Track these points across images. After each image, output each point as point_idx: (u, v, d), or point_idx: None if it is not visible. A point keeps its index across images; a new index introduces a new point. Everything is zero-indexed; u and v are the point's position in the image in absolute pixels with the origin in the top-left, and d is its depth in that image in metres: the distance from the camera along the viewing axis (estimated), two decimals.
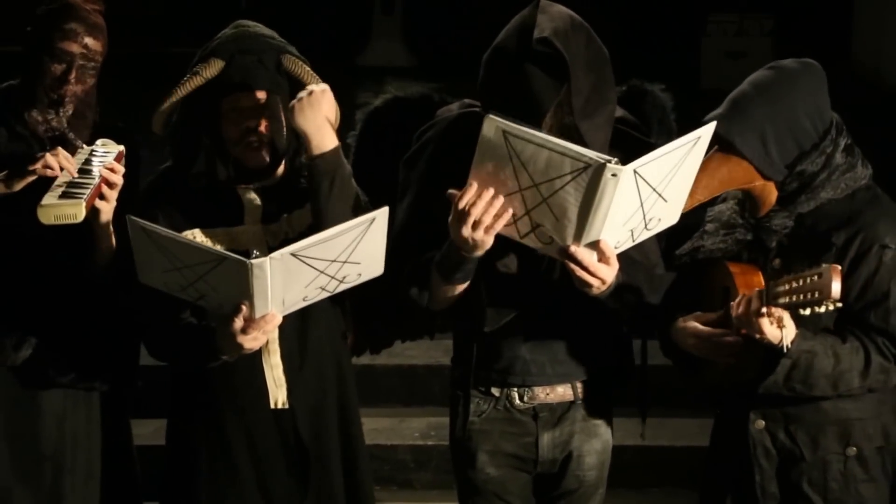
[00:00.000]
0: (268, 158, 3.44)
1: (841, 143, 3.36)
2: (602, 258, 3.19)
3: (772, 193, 3.37)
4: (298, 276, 3.17)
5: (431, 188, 3.36)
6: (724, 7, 9.98)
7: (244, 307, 3.18)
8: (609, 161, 3.03)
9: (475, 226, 3.16)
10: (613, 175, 3.03)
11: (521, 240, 3.23)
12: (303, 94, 3.31)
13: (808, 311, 3.07)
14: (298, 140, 3.45)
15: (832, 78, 3.41)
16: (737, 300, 3.24)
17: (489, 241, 3.20)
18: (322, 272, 3.19)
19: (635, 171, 3.06)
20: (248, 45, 3.45)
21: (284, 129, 3.44)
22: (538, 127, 3.18)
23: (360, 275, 3.25)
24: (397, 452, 5.71)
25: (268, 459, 3.52)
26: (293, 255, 3.12)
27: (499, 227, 3.17)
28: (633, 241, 3.27)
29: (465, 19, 9.98)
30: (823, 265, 3.03)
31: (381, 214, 3.15)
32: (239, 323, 3.20)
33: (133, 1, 10.52)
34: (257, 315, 3.19)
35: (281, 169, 3.51)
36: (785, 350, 3.21)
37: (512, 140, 3.08)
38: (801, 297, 3.06)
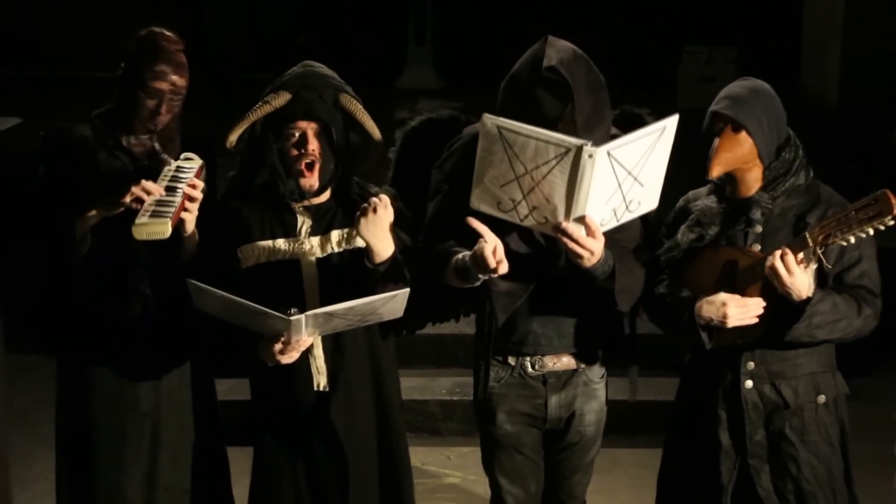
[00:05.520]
0: (319, 178, 3.39)
1: (799, 143, 3.39)
2: (589, 232, 3.13)
3: (756, 179, 3.33)
4: (329, 324, 3.22)
5: (456, 188, 3.32)
6: (696, 40, 9.96)
7: (283, 336, 3.22)
8: (585, 144, 2.98)
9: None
10: (590, 156, 2.98)
11: (521, 222, 3.17)
12: (367, 208, 3.23)
13: (861, 235, 3.05)
14: (349, 164, 3.43)
15: (783, 100, 3.39)
16: (776, 254, 3.15)
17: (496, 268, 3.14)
18: (349, 322, 3.23)
19: (608, 153, 3.00)
20: (312, 82, 3.39)
21: (335, 155, 3.40)
22: None
23: (381, 317, 3.28)
24: (428, 406, 5.67)
25: (312, 431, 3.46)
26: (326, 313, 3.16)
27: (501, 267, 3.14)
28: (618, 220, 3.20)
29: (484, 49, 9.95)
30: (877, 192, 3.03)
31: (403, 293, 3.18)
32: (278, 346, 3.24)
33: (217, 37, 10.52)
34: (293, 340, 3.23)
35: (330, 190, 3.46)
36: (811, 298, 3.17)
37: (505, 134, 3.04)
38: (855, 225, 3.04)
